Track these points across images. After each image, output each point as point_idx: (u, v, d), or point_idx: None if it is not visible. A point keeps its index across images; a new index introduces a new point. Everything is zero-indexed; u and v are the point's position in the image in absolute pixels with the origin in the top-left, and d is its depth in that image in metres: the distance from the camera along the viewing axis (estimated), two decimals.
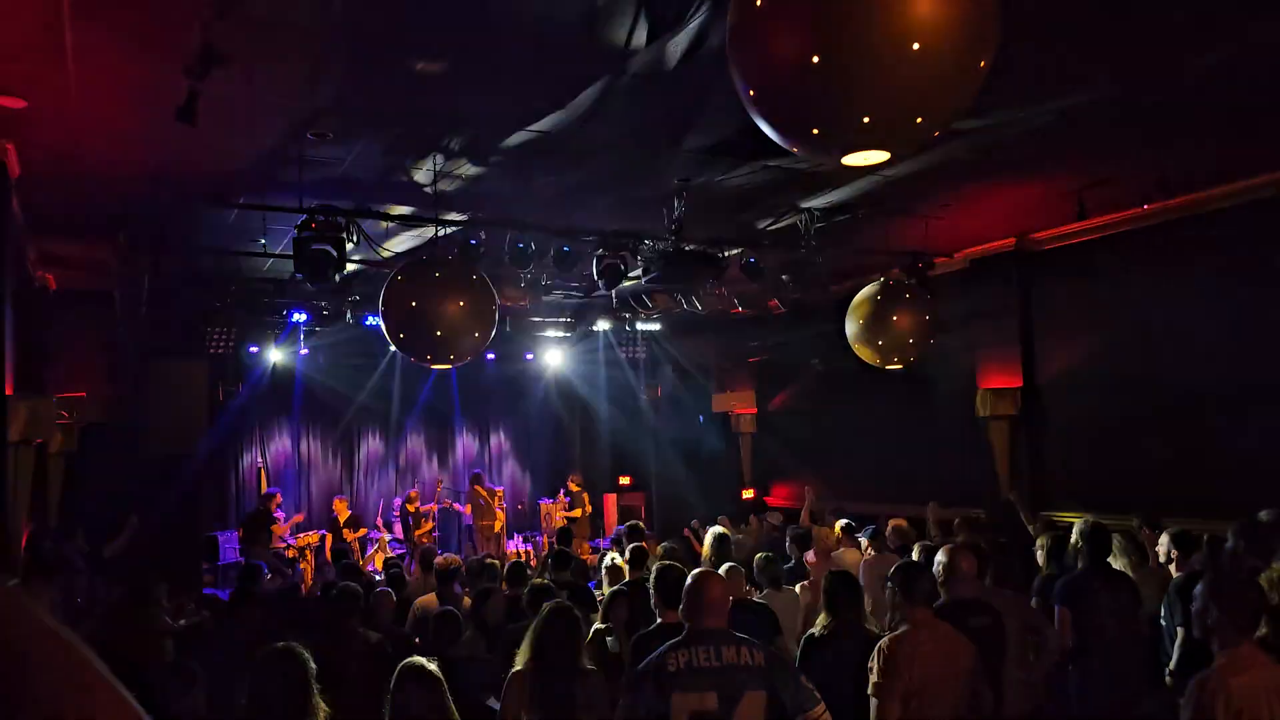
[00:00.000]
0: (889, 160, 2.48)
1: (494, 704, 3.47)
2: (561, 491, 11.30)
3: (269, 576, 6.55)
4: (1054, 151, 5.51)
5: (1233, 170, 5.93)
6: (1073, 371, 7.41)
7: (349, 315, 8.71)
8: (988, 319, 7.93)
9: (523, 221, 6.24)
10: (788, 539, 6.31)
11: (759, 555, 5.15)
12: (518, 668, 3.26)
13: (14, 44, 3.79)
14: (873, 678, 2.90)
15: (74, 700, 0.67)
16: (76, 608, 5.00)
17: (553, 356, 12.49)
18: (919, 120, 2.26)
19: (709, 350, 11.83)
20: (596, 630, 4.26)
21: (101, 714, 0.68)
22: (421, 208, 6.25)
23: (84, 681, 0.68)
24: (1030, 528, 6.53)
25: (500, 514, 11.02)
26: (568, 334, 11.62)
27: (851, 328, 6.97)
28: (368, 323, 8.75)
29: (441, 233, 6.13)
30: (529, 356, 12.49)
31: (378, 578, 6.89)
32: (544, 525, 11.42)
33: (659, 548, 5.60)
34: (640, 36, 3.84)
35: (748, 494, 11.25)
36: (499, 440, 12.89)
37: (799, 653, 3.60)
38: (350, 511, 10.64)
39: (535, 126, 4.88)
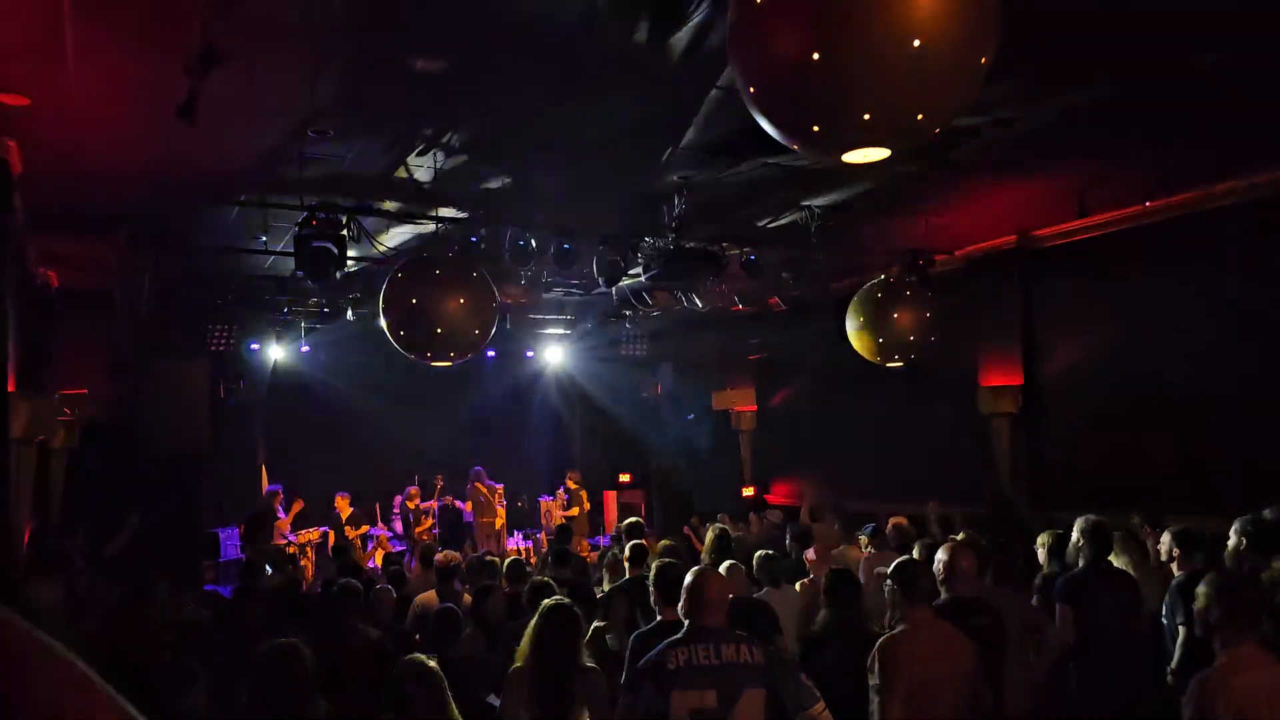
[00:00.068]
0: (889, 157, 2.47)
1: (494, 701, 3.47)
2: (561, 489, 11.30)
3: (270, 573, 6.56)
4: (1055, 149, 5.50)
5: (1235, 167, 5.91)
6: (1074, 369, 7.40)
7: (350, 312, 8.71)
8: (989, 316, 7.92)
9: (523, 219, 6.23)
10: (788, 536, 6.31)
11: (759, 553, 5.16)
12: (518, 665, 3.26)
13: (15, 42, 3.79)
14: (872, 678, 2.90)
15: (74, 700, 0.67)
16: (77, 605, 5.01)
17: (553, 354, 12.49)
18: (920, 117, 2.26)
19: (709, 348, 11.82)
20: (596, 628, 4.26)
21: (101, 714, 0.68)
22: (422, 205, 6.24)
23: (83, 683, 0.68)
24: (1031, 526, 6.52)
25: (500, 511, 11.03)
26: (568, 331, 11.63)
27: (852, 325, 6.97)
28: (368, 320, 8.75)
29: (441, 230, 6.13)
30: (529, 354, 12.49)
31: (378, 574, 6.90)
32: (544, 522, 11.42)
33: (659, 545, 5.60)
34: (641, 34, 3.83)
35: (748, 491, 11.24)
36: (499, 437, 12.89)
37: (799, 651, 3.60)
38: (353, 509, 10.65)
39: (536, 124, 4.87)
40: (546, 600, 3.36)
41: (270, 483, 10.67)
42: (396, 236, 7.09)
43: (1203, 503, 5.68)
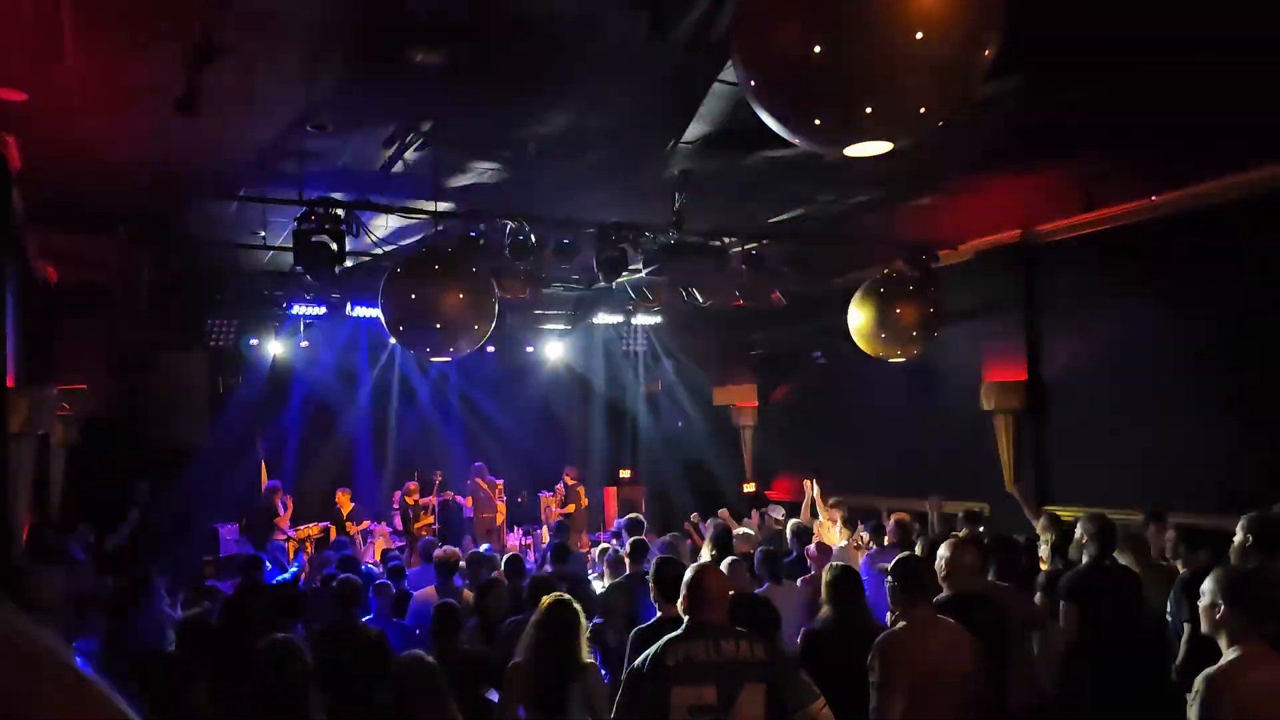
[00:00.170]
0: (891, 151, 2.47)
1: (493, 697, 3.48)
2: (560, 486, 11.31)
3: (269, 568, 6.58)
4: (1059, 143, 5.48)
5: (1240, 162, 5.88)
6: (1078, 365, 7.38)
7: (349, 307, 8.72)
8: (992, 311, 7.90)
9: (523, 213, 6.22)
10: (789, 533, 6.32)
11: (760, 548, 5.16)
12: (517, 661, 3.27)
13: (13, 36, 3.78)
14: (872, 675, 2.90)
15: (72, 704, 0.68)
16: (78, 599, 5.03)
17: (553, 349, 12.48)
18: (922, 110, 2.25)
19: (710, 343, 11.82)
20: (596, 624, 4.27)
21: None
22: (422, 200, 6.24)
23: (80, 686, 0.68)
24: (1035, 522, 6.52)
25: (501, 506, 11.03)
26: (568, 327, 11.62)
27: (855, 320, 6.96)
28: (366, 316, 8.76)
29: (440, 225, 6.13)
30: (529, 349, 12.49)
31: (376, 570, 6.91)
32: (544, 517, 11.43)
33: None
34: (642, 28, 3.81)
35: (749, 488, 11.25)
36: (499, 433, 12.91)
37: (800, 646, 3.60)
38: (353, 504, 10.67)
39: (535, 117, 4.86)
40: (546, 596, 3.37)
41: (270, 478, 10.68)
42: (381, 229, 7.07)
43: (1206, 500, 5.69)
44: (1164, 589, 4.16)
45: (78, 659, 0.73)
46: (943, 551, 3.63)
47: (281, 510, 9.82)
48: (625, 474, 12.47)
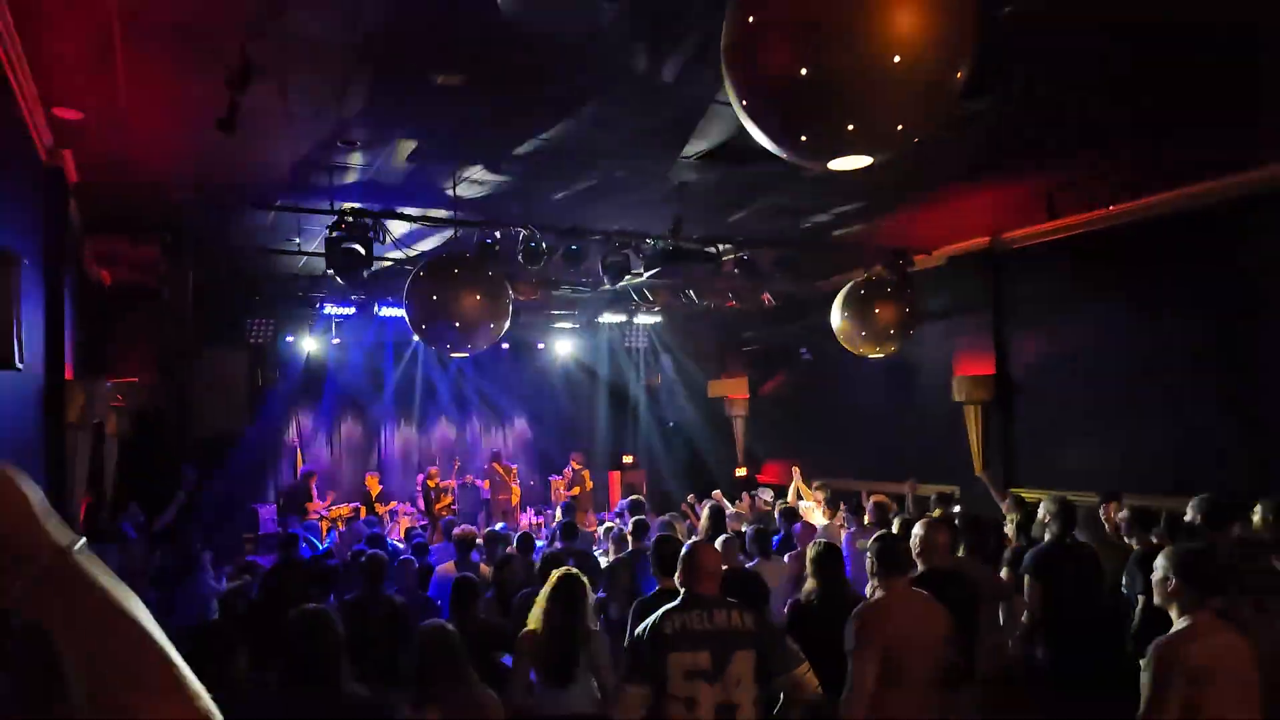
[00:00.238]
0: (871, 165, 2.45)
1: (507, 661, 3.49)
2: (567, 470, 11.33)
3: (304, 545, 6.59)
4: (1025, 157, 5.47)
5: (1190, 175, 5.87)
6: (1041, 361, 7.38)
7: (377, 308, 8.72)
8: (963, 311, 7.89)
9: (535, 222, 6.22)
10: (777, 514, 6.32)
11: (750, 527, 5.16)
12: (529, 629, 3.27)
13: (70, 61, 3.78)
14: (848, 643, 2.89)
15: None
16: (130, 574, 5.04)
17: (562, 346, 12.50)
18: (900, 128, 2.24)
19: (706, 340, 11.82)
20: (600, 597, 4.27)
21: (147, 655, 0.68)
22: (442, 209, 6.23)
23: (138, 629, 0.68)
24: (1001, 504, 6.52)
25: (516, 489, 11.06)
26: (576, 326, 11.62)
27: (837, 320, 6.95)
28: (392, 315, 8.76)
29: (459, 233, 6.12)
30: (540, 346, 12.50)
31: (402, 547, 6.93)
32: (553, 499, 11.45)
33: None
34: (642, 53, 3.80)
35: (740, 472, 11.26)
36: (513, 422, 12.93)
37: (787, 616, 3.60)
38: (381, 487, 10.69)
39: (545, 135, 4.85)
40: (556, 571, 3.37)
41: (304, 463, 10.70)
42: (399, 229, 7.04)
43: (1156, 483, 5.69)
44: (1118, 564, 4.16)
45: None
46: (917, 530, 3.63)
47: (315, 493, 9.85)
48: (628, 459, 12.48)
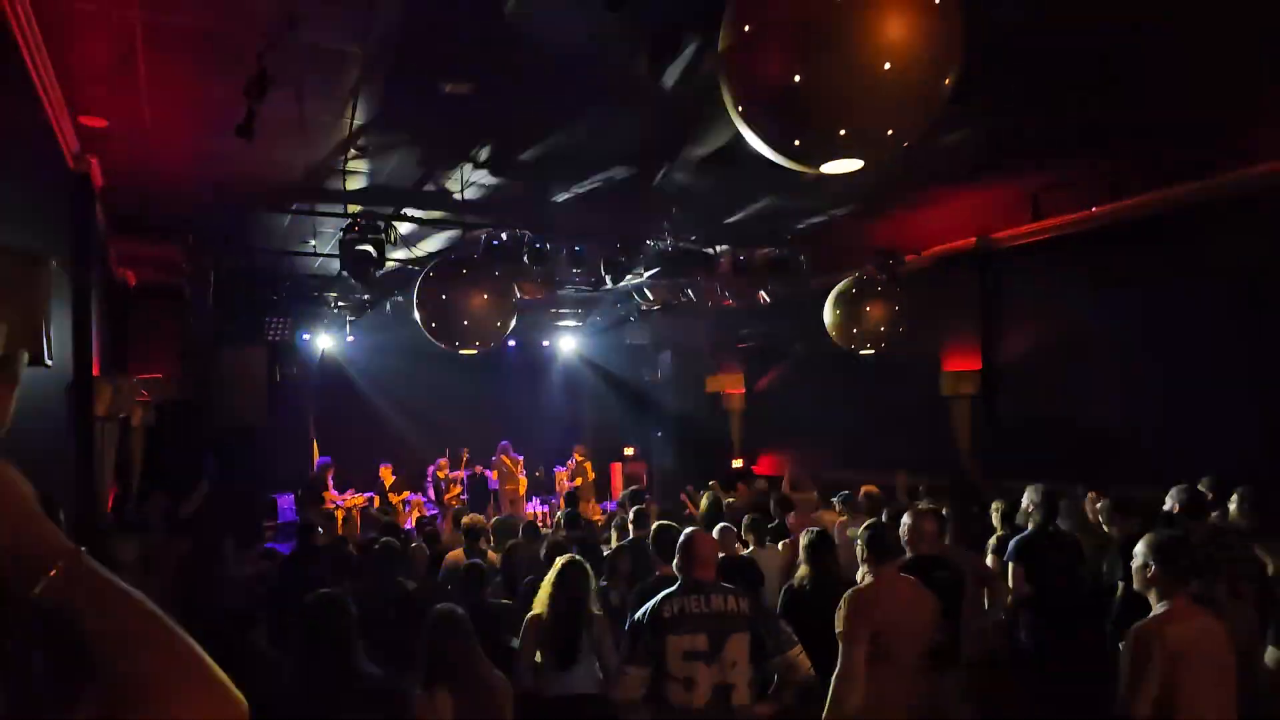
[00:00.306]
0: (863, 168, 2.45)
1: (515, 643, 3.50)
2: (571, 461, 11.35)
3: (321, 532, 6.59)
4: (1011, 160, 5.45)
5: (1167, 178, 5.85)
6: (1026, 356, 7.37)
7: (388, 307, 8.72)
8: (951, 309, 7.88)
9: (539, 224, 6.21)
10: (772, 503, 6.32)
11: (746, 516, 5.16)
12: (535, 612, 3.28)
13: (96, 72, 3.78)
14: (839, 626, 2.89)
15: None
16: (154, 560, 5.05)
17: (566, 343, 12.50)
18: (890, 132, 2.24)
19: (703, 337, 11.81)
20: (602, 581, 4.27)
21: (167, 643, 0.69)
22: (450, 212, 6.23)
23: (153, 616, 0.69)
24: (985, 494, 6.52)
25: (523, 479, 11.07)
26: (579, 324, 11.62)
27: (830, 317, 6.94)
28: (404, 314, 8.74)
29: (467, 234, 6.12)
30: (545, 343, 12.50)
31: (414, 534, 6.93)
32: (557, 489, 11.47)
33: (654, 508, 5.60)
34: (642, 61, 3.79)
35: (736, 463, 11.26)
36: (519, 416, 12.95)
37: (781, 601, 3.60)
38: (395, 477, 10.71)
39: (550, 141, 4.84)
40: (560, 557, 3.38)
41: (321, 455, 10.72)
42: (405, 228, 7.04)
43: (1134, 474, 5.68)
44: (1099, 551, 4.16)
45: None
46: (906, 519, 3.63)
47: (331, 483, 9.86)
48: (629, 451, 12.49)
